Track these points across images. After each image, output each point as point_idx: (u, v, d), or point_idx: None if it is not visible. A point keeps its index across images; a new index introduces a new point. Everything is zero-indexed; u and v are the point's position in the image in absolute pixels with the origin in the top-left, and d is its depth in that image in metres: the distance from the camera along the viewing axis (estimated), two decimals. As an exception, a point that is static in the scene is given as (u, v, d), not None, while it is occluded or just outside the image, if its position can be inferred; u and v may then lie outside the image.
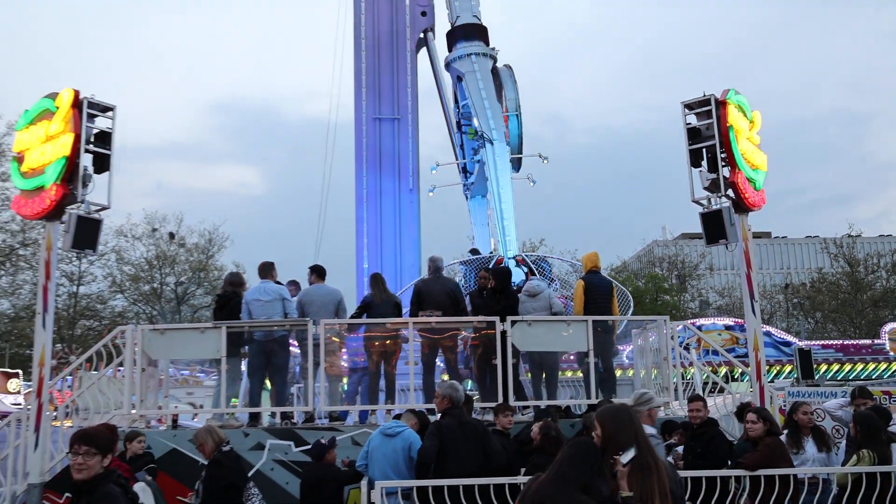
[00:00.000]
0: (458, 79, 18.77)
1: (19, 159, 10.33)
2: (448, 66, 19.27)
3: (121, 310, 48.38)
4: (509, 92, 19.03)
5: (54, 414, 11.40)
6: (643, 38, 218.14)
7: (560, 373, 12.53)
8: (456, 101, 20.44)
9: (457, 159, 20.41)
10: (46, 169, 9.82)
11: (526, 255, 17.09)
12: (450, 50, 19.18)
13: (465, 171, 19.51)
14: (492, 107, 17.86)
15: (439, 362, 12.05)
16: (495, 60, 19.12)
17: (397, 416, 9.42)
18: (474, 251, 17.36)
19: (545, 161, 20.03)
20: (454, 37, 19.04)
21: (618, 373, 12.45)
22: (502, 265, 12.47)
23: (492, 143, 17.65)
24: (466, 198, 20.44)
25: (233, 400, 11.96)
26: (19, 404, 29.94)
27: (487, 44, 18.92)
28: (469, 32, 18.79)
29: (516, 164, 19.40)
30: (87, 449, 4.90)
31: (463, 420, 8.29)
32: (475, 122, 18.31)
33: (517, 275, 12.01)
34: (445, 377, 11.83)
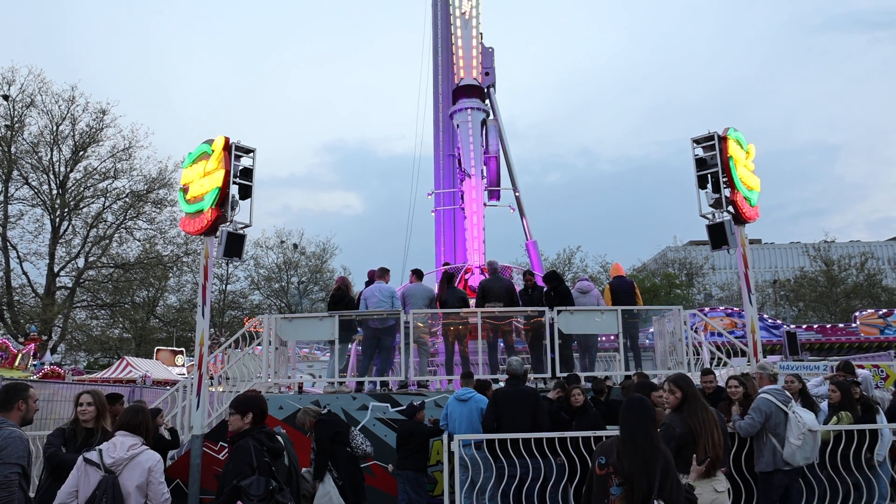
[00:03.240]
0: (457, 126, 18.80)
1: (185, 190, 10.53)
2: (451, 116, 19.22)
3: (257, 303, 49.26)
4: (492, 140, 18.84)
5: (210, 381, 11.64)
6: (654, 88, 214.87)
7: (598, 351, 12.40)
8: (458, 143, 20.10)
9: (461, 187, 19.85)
10: (205, 197, 10.00)
11: (489, 265, 16.92)
12: (453, 103, 19.14)
13: (462, 197, 19.12)
14: (475, 150, 17.97)
15: (500, 342, 11.94)
16: (487, 115, 18.98)
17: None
18: (446, 263, 17.18)
19: (517, 193, 19.63)
20: (457, 94, 19.05)
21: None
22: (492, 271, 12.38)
23: (470, 177, 17.86)
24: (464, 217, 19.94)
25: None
26: (184, 374, 30.81)
27: (483, 101, 18.90)
28: (469, 91, 18.78)
29: (497, 195, 19.24)
30: (230, 411, 4.96)
31: (517, 389, 8.14)
32: (461, 160, 18.35)
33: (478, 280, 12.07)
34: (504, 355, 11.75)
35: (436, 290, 12.07)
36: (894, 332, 32.66)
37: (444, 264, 17.07)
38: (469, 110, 18.54)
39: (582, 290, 11.89)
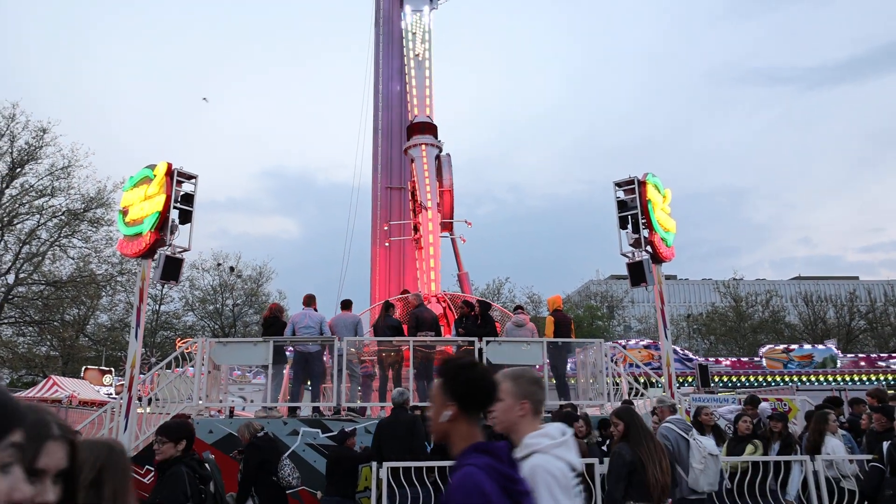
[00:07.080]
0: (412, 161, 19.02)
1: (124, 212, 10.28)
2: (406, 151, 19.45)
3: (191, 324, 47.78)
4: (446, 174, 19.11)
5: (139, 403, 11.21)
6: (580, 130, 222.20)
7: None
8: (412, 177, 20.26)
9: (413, 219, 19.85)
10: (144, 220, 9.78)
11: (445, 293, 17.04)
12: (408, 139, 19.40)
13: (415, 229, 19.24)
14: (430, 184, 18.22)
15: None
16: (440, 150, 19.28)
17: None
18: (404, 291, 17.29)
19: (469, 224, 19.84)
20: (412, 131, 19.34)
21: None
22: (420, 303, 12.45)
23: (426, 210, 18.06)
24: (417, 249, 19.95)
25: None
26: (111, 394, 29.44)
27: (436, 137, 19.23)
28: (422, 128, 19.11)
29: (449, 226, 19.37)
30: (160, 438, 4.73)
31: (396, 417, 8.42)
32: (418, 193, 18.55)
33: (437, 309, 12.06)
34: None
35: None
36: (796, 367, 34.17)
37: (403, 291, 17.01)
38: (424, 146, 18.77)
39: (517, 323, 12.01)
